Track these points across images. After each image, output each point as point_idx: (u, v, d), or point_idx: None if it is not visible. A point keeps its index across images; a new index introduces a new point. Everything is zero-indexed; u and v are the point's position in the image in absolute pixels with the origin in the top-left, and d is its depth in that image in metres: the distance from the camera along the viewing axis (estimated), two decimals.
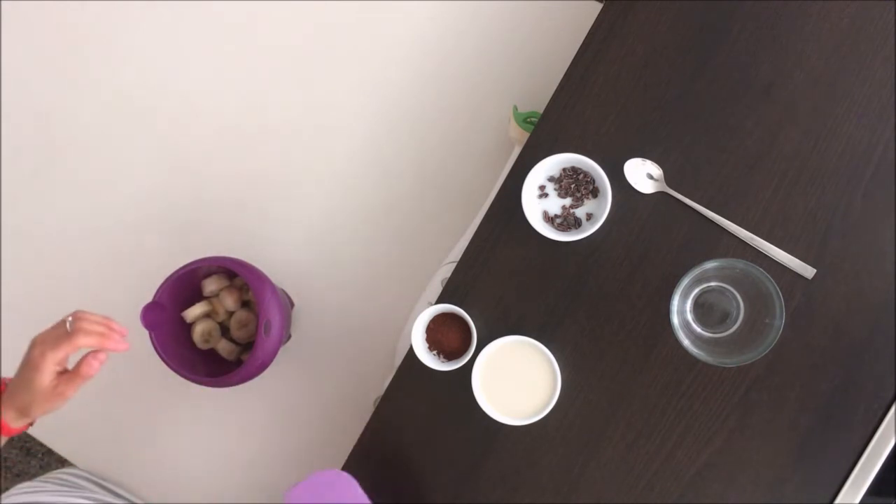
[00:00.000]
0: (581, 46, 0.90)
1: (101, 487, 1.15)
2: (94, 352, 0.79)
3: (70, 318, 0.79)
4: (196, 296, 1.13)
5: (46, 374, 0.77)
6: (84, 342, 0.77)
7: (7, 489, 1.60)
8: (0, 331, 1.23)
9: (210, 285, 1.11)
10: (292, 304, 1.21)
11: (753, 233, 0.86)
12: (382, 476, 0.91)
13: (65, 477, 1.12)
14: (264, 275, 1.06)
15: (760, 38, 0.87)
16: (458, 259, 0.91)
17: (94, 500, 1.06)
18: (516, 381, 0.88)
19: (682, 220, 0.87)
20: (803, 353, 0.85)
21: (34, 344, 0.78)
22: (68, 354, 0.78)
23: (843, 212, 0.85)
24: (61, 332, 0.78)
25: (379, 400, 0.93)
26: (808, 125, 0.86)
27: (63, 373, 0.79)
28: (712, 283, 0.86)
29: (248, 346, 1.15)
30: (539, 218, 0.89)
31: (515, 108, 1.11)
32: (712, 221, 0.86)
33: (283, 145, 1.23)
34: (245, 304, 1.14)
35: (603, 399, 0.88)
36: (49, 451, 1.65)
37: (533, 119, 1.09)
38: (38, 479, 1.09)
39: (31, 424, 0.83)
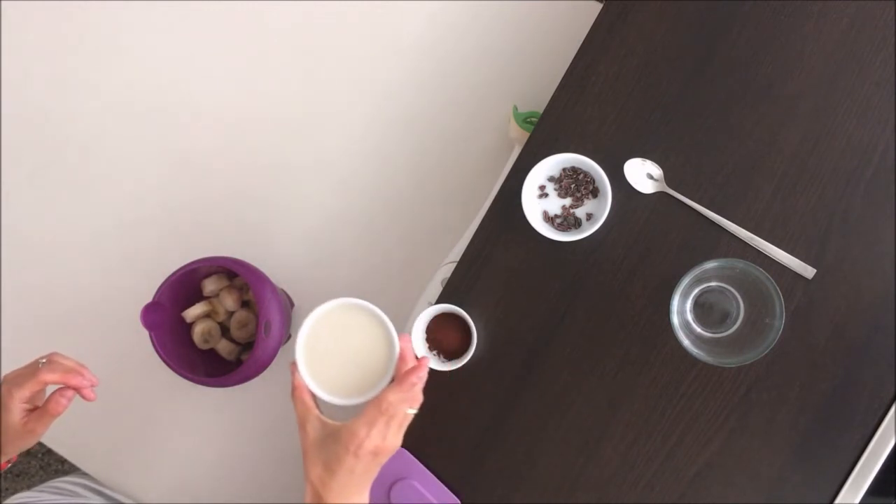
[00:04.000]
0: (581, 46, 0.90)
1: (98, 494, 1.15)
2: (62, 389, 0.80)
3: (43, 359, 0.80)
4: (196, 296, 1.13)
5: (14, 411, 0.78)
6: (48, 378, 0.78)
7: (7, 489, 1.60)
8: (0, 331, 1.22)
9: (210, 285, 1.11)
10: (292, 304, 1.21)
11: (753, 233, 0.86)
12: None
13: (61, 485, 1.13)
14: (264, 275, 1.06)
15: (760, 38, 0.87)
16: (458, 259, 0.91)
17: None
18: (346, 353, 0.78)
19: (682, 220, 0.87)
20: (803, 353, 0.85)
21: (2, 383, 0.79)
22: (34, 391, 0.78)
23: (843, 212, 0.85)
24: (28, 371, 0.79)
25: None
26: (808, 125, 0.86)
27: (33, 410, 0.80)
28: (712, 283, 0.86)
29: (248, 346, 1.15)
30: (539, 218, 0.89)
31: (515, 108, 1.11)
32: (712, 221, 0.86)
33: (283, 146, 1.23)
34: (245, 304, 1.14)
35: (603, 399, 0.88)
36: (49, 451, 1.65)
37: (533, 119, 1.09)
38: (34, 489, 1.09)
39: (9, 462, 0.84)
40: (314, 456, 0.74)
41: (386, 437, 0.73)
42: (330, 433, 0.74)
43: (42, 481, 1.60)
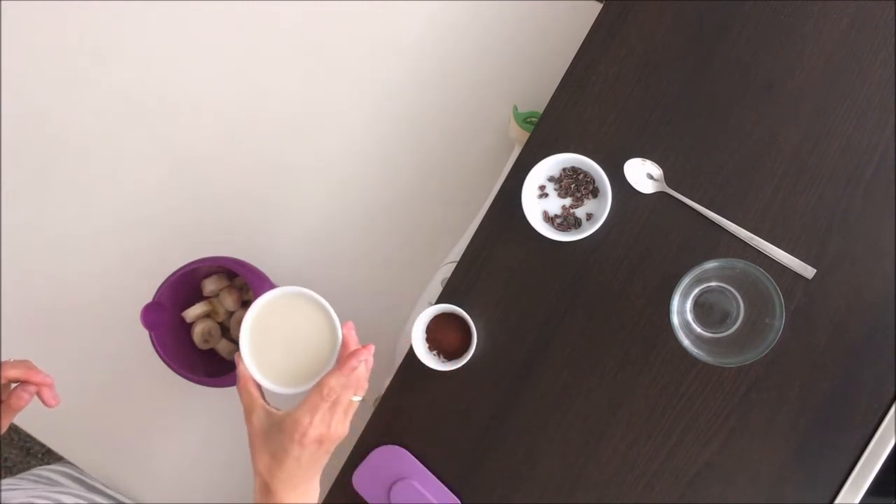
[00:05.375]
0: (581, 46, 0.90)
1: (81, 484, 1.15)
2: (24, 384, 0.80)
3: (12, 360, 0.81)
4: (196, 296, 1.13)
5: None
6: (10, 374, 0.79)
7: None
8: (0, 331, 1.23)
9: (210, 285, 1.11)
10: None
11: (753, 233, 0.86)
12: None
13: (43, 473, 1.12)
14: (264, 275, 1.06)
15: (760, 38, 0.87)
16: (458, 259, 0.91)
17: (76, 496, 1.06)
18: (290, 342, 0.78)
19: (682, 220, 0.87)
20: (803, 353, 0.85)
21: None
22: None
23: (843, 212, 0.85)
24: None
25: (379, 400, 0.93)
26: (808, 125, 0.86)
27: None
28: (712, 283, 0.86)
29: None
30: (539, 218, 0.89)
31: (515, 108, 1.11)
32: (712, 221, 0.86)
33: (283, 146, 1.23)
34: (245, 304, 1.14)
35: (603, 399, 0.88)
36: (49, 451, 1.65)
37: (533, 119, 1.09)
38: (17, 476, 1.09)
39: None
40: (261, 446, 0.74)
41: (330, 424, 0.73)
42: (275, 423, 0.74)
43: None
